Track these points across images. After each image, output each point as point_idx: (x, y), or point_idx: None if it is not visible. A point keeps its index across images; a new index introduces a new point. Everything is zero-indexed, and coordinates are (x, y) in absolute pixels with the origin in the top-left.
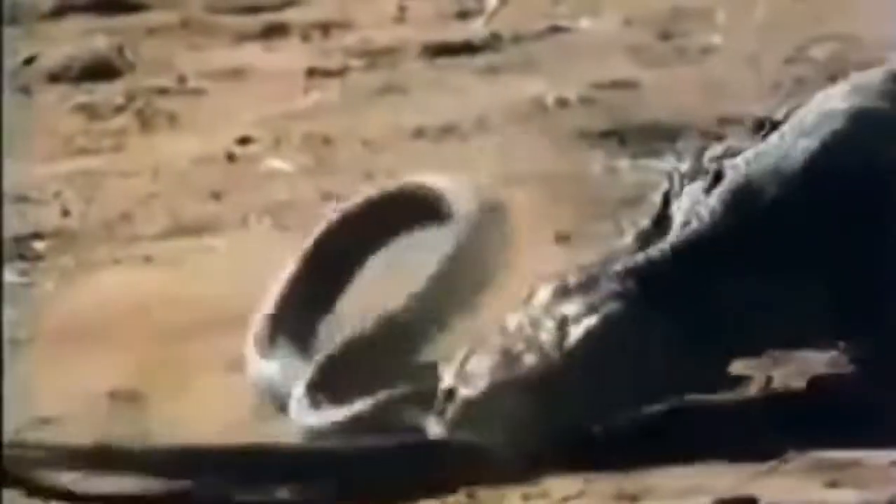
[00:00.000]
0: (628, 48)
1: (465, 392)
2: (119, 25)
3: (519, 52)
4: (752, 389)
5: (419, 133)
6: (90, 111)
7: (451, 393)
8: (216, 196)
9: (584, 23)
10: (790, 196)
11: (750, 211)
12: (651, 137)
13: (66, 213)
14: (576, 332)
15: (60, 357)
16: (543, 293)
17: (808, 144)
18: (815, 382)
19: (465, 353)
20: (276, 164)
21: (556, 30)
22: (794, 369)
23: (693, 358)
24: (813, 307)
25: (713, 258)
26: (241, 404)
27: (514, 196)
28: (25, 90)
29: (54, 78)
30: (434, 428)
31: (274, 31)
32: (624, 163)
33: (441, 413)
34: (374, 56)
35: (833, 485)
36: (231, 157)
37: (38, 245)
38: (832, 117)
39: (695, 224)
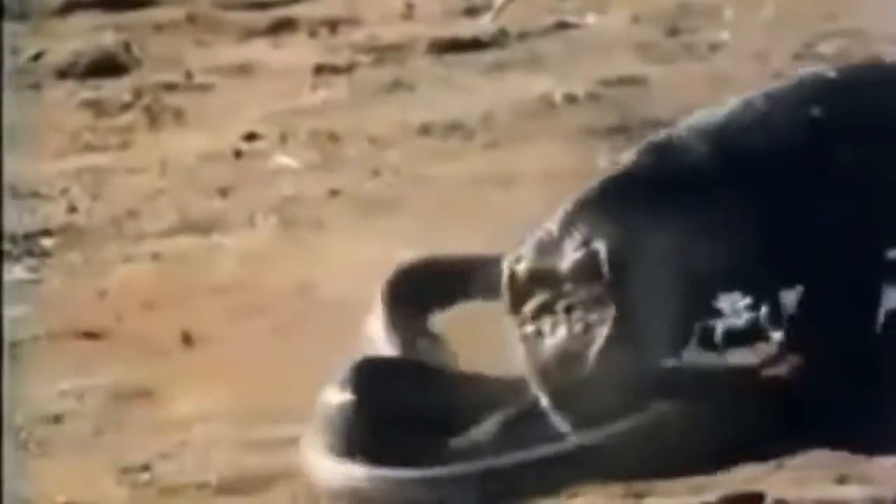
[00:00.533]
0: (636, 44)
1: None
2: (126, 21)
3: (526, 48)
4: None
5: (426, 130)
6: (97, 107)
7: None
8: (223, 193)
9: (591, 19)
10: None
11: (666, 157)
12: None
13: (73, 209)
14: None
15: (68, 353)
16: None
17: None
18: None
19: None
20: (283, 160)
21: (563, 26)
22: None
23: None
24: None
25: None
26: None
27: (523, 192)
28: (33, 86)
29: (61, 74)
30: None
31: (281, 27)
32: None
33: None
34: (382, 52)
35: (841, 481)
36: (238, 154)
37: (46, 242)
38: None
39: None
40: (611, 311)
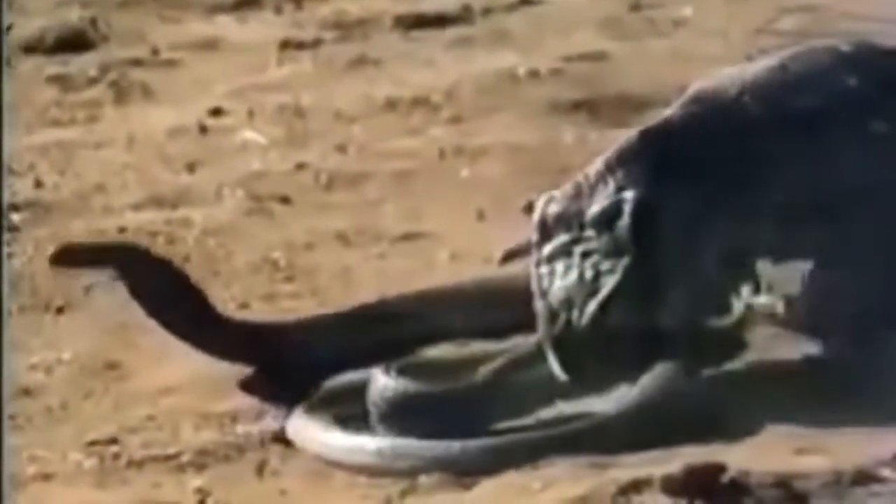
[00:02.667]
0: (599, 20)
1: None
2: None
3: (490, 24)
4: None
5: (391, 105)
6: (64, 83)
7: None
8: (190, 167)
9: None
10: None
11: (710, 107)
12: (622, 109)
13: (39, 184)
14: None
15: (37, 328)
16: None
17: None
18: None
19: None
20: (249, 135)
21: (527, 2)
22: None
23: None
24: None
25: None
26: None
27: (487, 166)
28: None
29: (28, 49)
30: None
31: (247, 3)
32: (594, 134)
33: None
34: (347, 28)
35: (801, 452)
36: (204, 129)
37: (14, 217)
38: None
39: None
40: (624, 262)
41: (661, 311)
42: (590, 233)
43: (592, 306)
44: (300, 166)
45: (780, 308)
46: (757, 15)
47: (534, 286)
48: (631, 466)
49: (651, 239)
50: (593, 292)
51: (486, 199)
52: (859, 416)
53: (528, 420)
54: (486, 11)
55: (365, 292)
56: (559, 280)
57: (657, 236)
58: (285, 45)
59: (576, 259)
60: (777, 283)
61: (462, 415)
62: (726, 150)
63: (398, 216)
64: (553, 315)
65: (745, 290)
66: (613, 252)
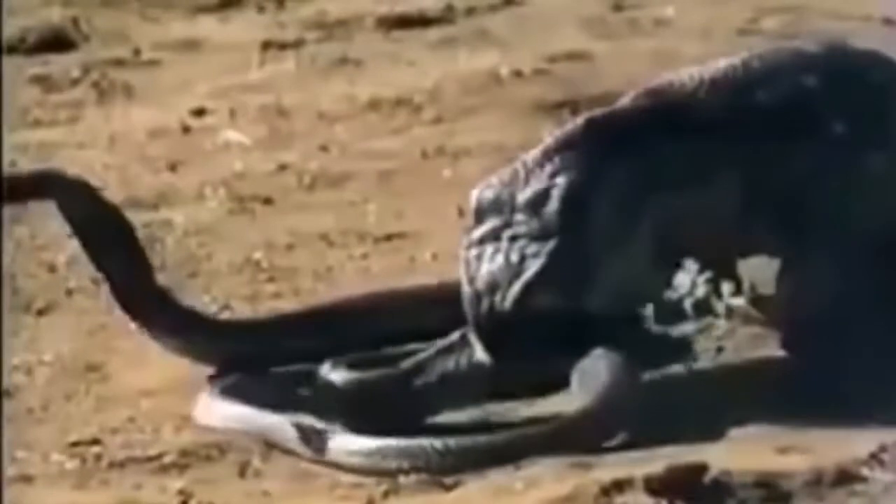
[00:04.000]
0: (582, 20)
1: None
2: None
3: (473, 24)
4: (705, 360)
5: (374, 105)
6: (46, 83)
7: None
8: (172, 168)
9: None
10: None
11: (663, 100)
12: (605, 109)
13: None
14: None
15: (17, 328)
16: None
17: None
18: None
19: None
20: (232, 135)
21: (510, 2)
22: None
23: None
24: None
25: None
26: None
27: (469, 167)
28: None
29: (9, 49)
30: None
31: (229, 3)
32: None
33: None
34: (330, 28)
35: (782, 451)
36: (186, 129)
37: None
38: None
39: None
40: (550, 245)
41: (589, 296)
42: (520, 217)
43: (516, 289)
44: (282, 166)
45: (755, 312)
46: (738, 15)
47: (462, 270)
48: (613, 466)
49: (579, 224)
50: (517, 275)
51: (468, 200)
52: (839, 415)
53: (464, 414)
54: (469, 11)
55: (348, 293)
56: (486, 264)
57: (586, 222)
58: (267, 45)
59: (504, 243)
60: (758, 283)
61: (391, 405)
62: (672, 143)
63: (381, 216)
64: (478, 298)
65: (726, 289)
66: (540, 236)
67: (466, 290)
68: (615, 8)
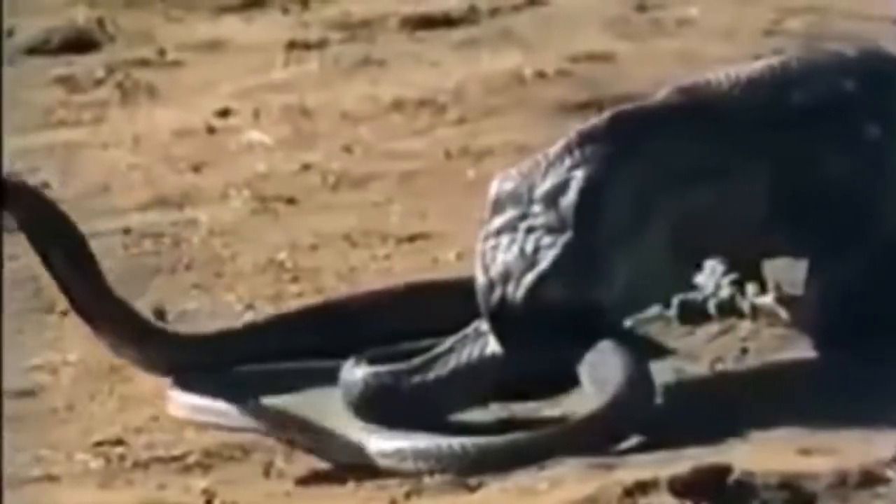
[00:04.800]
0: (605, 21)
1: (510, 296)
2: None
3: (497, 24)
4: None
5: (397, 105)
6: (70, 83)
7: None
8: (196, 168)
9: None
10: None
11: (695, 97)
12: None
13: (45, 185)
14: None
15: (42, 329)
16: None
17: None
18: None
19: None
20: (256, 136)
21: (533, 2)
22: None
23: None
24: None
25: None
26: None
27: (493, 168)
28: (6, 62)
29: (33, 50)
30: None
31: (253, 4)
32: None
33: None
34: (353, 28)
35: (806, 453)
36: (210, 130)
37: None
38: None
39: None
40: (565, 238)
41: (602, 290)
42: (537, 208)
43: (529, 280)
44: (306, 167)
45: (782, 311)
46: (762, 16)
47: (477, 260)
48: (637, 467)
49: (595, 218)
50: (531, 266)
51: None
52: (863, 416)
53: (487, 414)
54: (493, 12)
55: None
56: (501, 254)
57: (601, 216)
58: (291, 45)
59: (520, 234)
60: (785, 282)
61: (408, 400)
62: (700, 140)
63: (404, 217)
64: (491, 288)
65: (751, 290)
66: (556, 228)
67: (481, 279)
68: (639, 8)
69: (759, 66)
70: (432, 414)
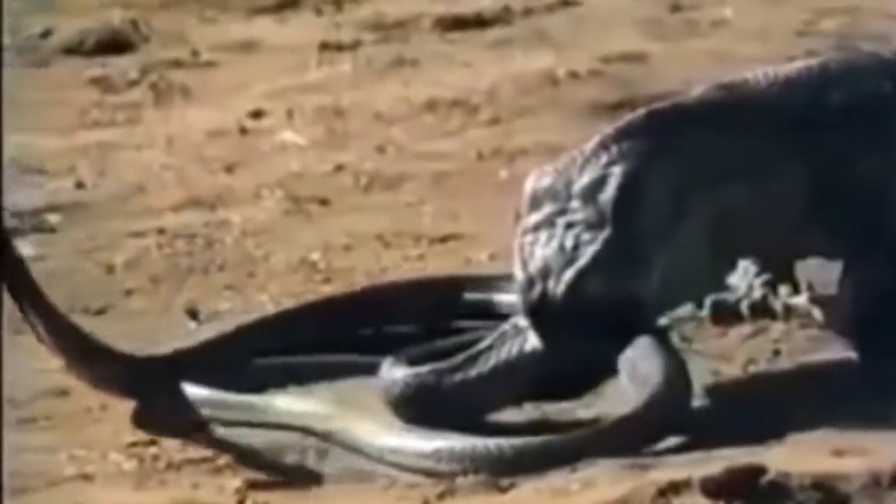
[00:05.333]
0: (638, 21)
1: (550, 292)
2: None
3: (530, 25)
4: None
5: (430, 106)
6: (104, 84)
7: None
8: (229, 169)
9: None
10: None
11: (734, 95)
12: None
13: (80, 185)
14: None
15: None
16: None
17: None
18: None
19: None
20: (289, 136)
21: (567, 3)
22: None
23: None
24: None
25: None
26: None
27: (525, 168)
28: (41, 63)
29: (68, 51)
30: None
31: (286, 5)
32: None
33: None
34: (386, 29)
35: (840, 454)
36: (244, 130)
37: (53, 218)
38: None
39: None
40: (604, 233)
41: (640, 284)
42: (575, 204)
43: (569, 275)
44: (339, 167)
45: (815, 312)
46: (796, 16)
47: (515, 256)
48: (670, 468)
49: (633, 213)
50: (571, 262)
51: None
52: None
53: (521, 414)
54: (526, 12)
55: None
56: (540, 250)
57: (640, 211)
58: (325, 46)
59: (559, 229)
60: (817, 284)
61: (447, 399)
62: (736, 138)
63: (437, 217)
64: (530, 283)
65: (784, 291)
66: (595, 223)
67: (519, 275)
68: (672, 9)
69: (796, 66)
70: (473, 411)
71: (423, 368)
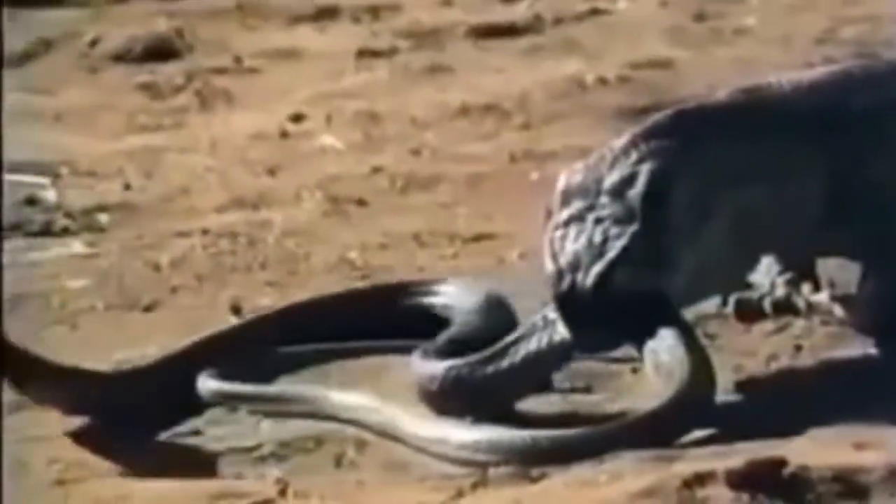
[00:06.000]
0: (665, 29)
1: (579, 283)
2: (179, 9)
3: (560, 33)
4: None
5: (464, 111)
6: (151, 90)
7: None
8: (271, 171)
9: (623, 5)
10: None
11: (756, 98)
12: None
13: (128, 187)
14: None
15: (123, 324)
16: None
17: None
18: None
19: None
20: (328, 140)
21: (595, 12)
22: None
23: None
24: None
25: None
26: None
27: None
28: (91, 70)
29: (117, 58)
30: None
31: (325, 13)
32: None
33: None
34: (422, 37)
35: (859, 447)
36: (284, 134)
37: (103, 218)
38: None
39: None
40: (632, 228)
41: (666, 278)
42: (604, 200)
43: (598, 268)
44: (376, 170)
45: (837, 309)
46: (816, 25)
47: (546, 250)
48: (695, 460)
49: (661, 210)
50: (600, 255)
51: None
52: None
53: (552, 407)
54: (556, 21)
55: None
56: (570, 243)
57: (668, 208)
58: (362, 53)
59: (588, 224)
60: (838, 282)
61: (478, 389)
62: (760, 139)
63: (470, 218)
64: (560, 275)
65: (806, 289)
66: (624, 219)
67: (549, 267)
68: (697, 18)
69: (818, 71)
70: (504, 401)
71: (458, 361)
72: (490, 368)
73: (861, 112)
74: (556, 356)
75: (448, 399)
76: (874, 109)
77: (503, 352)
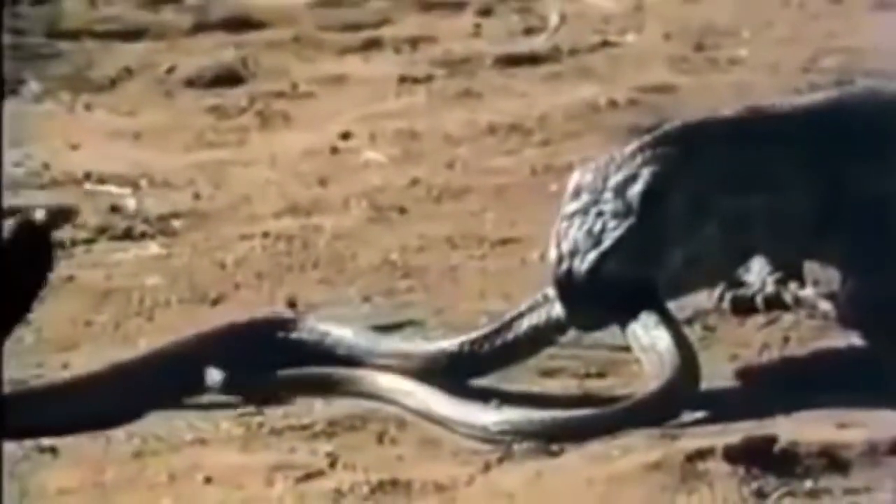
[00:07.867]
0: (668, 58)
1: (575, 269)
2: (244, 40)
3: (576, 62)
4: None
5: (492, 130)
6: (219, 111)
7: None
8: (322, 182)
9: (631, 38)
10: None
11: (760, 113)
12: None
13: (197, 196)
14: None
15: (194, 316)
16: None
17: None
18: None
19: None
20: (372, 155)
21: (606, 43)
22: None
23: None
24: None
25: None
26: None
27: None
28: (166, 94)
29: (190, 84)
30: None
31: (371, 45)
32: None
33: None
34: (454, 66)
35: (842, 426)
36: (334, 150)
37: (176, 223)
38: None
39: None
40: (628, 222)
41: (655, 269)
42: (607, 196)
43: (593, 256)
44: (414, 181)
45: (822, 304)
46: (802, 55)
47: (552, 238)
48: (697, 437)
49: (657, 208)
50: (596, 244)
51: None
52: (892, 395)
53: (568, 390)
54: (573, 52)
55: (469, 288)
56: (572, 232)
57: (664, 207)
58: (403, 79)
59: (590, 217)
60: (822, 280)
61: (488, 358)
62: (759, 154)
63: (497, 224)
64: (560, 260)
65: (793, 286)
66: (622, 213)
67: (553, 253)
68: (697, 48)
69: (820, 95)
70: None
71: (464, 337)
72: (499, 340)
73: (853, 132)
74: (551, 330)
75: (460, 373)
76: (865, 130)
77: (509, 324)
